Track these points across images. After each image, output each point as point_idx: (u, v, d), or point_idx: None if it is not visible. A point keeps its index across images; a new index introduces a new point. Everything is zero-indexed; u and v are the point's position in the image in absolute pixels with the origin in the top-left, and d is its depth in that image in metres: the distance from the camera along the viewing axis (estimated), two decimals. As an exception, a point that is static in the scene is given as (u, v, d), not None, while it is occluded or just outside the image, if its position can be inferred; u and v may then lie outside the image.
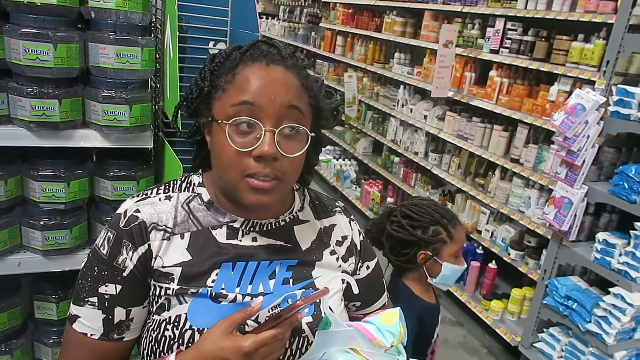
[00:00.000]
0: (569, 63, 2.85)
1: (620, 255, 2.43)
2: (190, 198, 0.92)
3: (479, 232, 3.51)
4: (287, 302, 0.89)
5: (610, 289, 2.46)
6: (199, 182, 0.94)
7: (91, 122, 1.58)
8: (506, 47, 3.29)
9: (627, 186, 2.41)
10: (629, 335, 2.49)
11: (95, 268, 0.87)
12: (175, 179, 0.97)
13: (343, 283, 0.98)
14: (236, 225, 0.91)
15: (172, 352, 0.84)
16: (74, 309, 0.88)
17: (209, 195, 0.92)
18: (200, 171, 0.97)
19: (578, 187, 2.61)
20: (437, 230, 1.52)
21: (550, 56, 3.01)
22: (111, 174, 1.67)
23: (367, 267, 1.06)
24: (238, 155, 0.81)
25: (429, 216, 1.53)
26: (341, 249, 1.01)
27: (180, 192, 0.93)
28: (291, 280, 0.92)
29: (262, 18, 8.18)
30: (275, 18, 7.81)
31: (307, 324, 0.89)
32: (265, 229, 0.93)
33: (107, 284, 0.86)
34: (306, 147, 0.84)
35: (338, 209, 1.06)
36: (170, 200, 0.91)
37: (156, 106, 1.76)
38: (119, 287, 0.86)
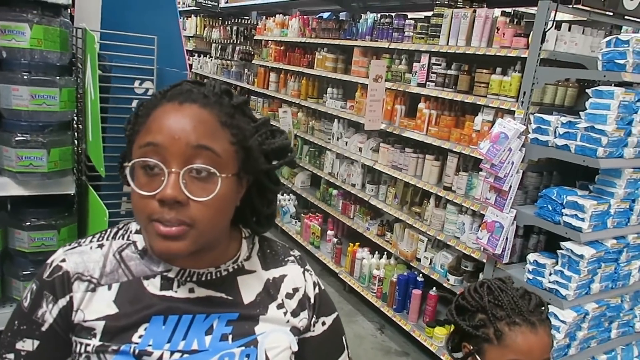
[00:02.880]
0: (490, 94, 3.02)
1: (550, 274, 2.54)
2: (124, 246, 0.86)
3: (418, 259, 3.57)
4: None
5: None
6: (137, 230, 0.88)
7: (3, 168, 1.45)
8: (432, 81, 3.45)
9: (550, 208, 2.55)
10: (564, 352, 2.58)
11: (16, 322, 0.82)
12: (113, 226, 0.90)
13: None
14: (171, 275, 0.84)
15: None
16: None
17: (144, 243, 0.86)
18: None
19: (507, 211, 2.73)
20: (482, 321, 1.14)
21: (473, 88, 3.18)
22: (28, 223, 1.53)
23: (323, 324, 0.97)
24: (143, 199, 0.75)
25: (479, 300, 1.16)
26: (291, 302, 0.92)
27: (115, 239, 0.86)
28: (230, 337, 0.85)
29: (195, 56, 8.13)
30: (208, 56, 7.79)
31: None
32: (204, 279, 0.86)
33: (24, 339, 0.80)
34: (217, 191, 0.75)
35: (292, 258, 0.98)
36: (102, 248, 0.85)
37: (79, 149, 1.66)
38: (36, 342, 0.80)
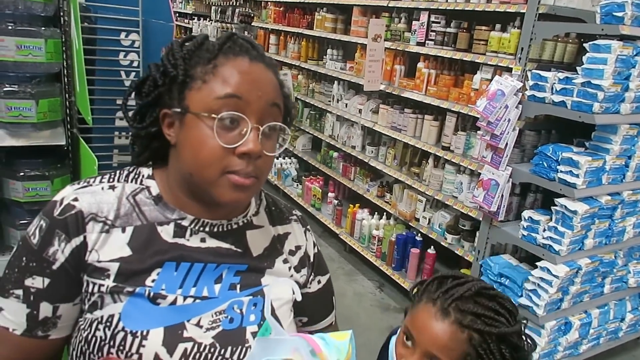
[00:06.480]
0: (489, 52, 2.98)
1: (544, 230, 2.56)
2: (138, 190, 0.86)
3: (417, 219, 3.60)
4: (233, 308, 0.85)
5: (537, 264, 2.59)
6: (149, 175, 0.88)
7: (-6, 120, 1.48)
8: (431, 39, 3.40)
9: (546, 165, 2.55)
10: (557, 306, 2.63)
11: (24, 258, 0.80)
12: (122, 169, 0.90)
13: (294, 294, 0.94)
14: (185, 223, 0.86)
15: (102, 354, 0.78)
16: None
17: (158, 189, 0.87)
18: (150, 163, 0.91)
19: (503, 168, 2.73)
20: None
21: (472, 46, 3.13)
22: (21, 174, 1.57)
23: (319, 282, 1.03)
24: (222, 151, 0.77)
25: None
26: (294, 259, 0.97)
27: (127, 182, 0.86)
28: (238, 286, 0.87)
29: (194, 19, 8.03)
30: (207, 19, 7.69)
31: (252, 333, 0.85)
32: (216, 230, 0.88)
33: (34, 277, 0.79)
34: (279, 145, 0.84)
35: (294, 217, 1.03)
36: (114, 190, 0.85)
37: (68, 101, 1.67)
38: (46, 280, 0.79)
